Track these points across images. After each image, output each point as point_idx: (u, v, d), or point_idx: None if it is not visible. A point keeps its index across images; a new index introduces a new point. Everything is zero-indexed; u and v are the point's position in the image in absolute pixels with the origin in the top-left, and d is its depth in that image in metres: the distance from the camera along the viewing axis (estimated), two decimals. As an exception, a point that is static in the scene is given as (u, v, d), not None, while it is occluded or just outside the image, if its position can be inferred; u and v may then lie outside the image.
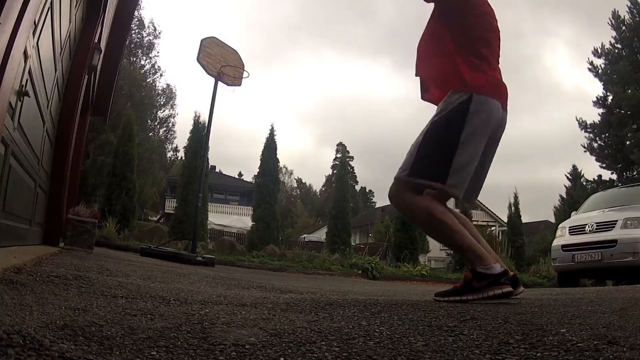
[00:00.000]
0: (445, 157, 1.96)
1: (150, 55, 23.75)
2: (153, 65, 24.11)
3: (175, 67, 76.66)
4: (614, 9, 19.51)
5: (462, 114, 1.97)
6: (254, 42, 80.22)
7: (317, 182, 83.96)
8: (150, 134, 24.15)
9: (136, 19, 21.95)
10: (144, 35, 23.18)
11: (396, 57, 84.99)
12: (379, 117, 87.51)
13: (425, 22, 2.20)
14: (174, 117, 26.74)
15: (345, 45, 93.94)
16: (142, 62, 23.49)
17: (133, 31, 21.68)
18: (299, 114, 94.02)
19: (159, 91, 25.04)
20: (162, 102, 25.50)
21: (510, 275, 1.92)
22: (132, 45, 22.14)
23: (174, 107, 26.55)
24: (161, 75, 26.79)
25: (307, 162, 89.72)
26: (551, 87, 79.67)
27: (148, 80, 23.28)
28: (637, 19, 18.78)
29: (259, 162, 13.73)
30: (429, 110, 2.19)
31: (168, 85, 26.44)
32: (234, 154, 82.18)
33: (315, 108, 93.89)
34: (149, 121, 23.90)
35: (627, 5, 19.17)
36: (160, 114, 25.76)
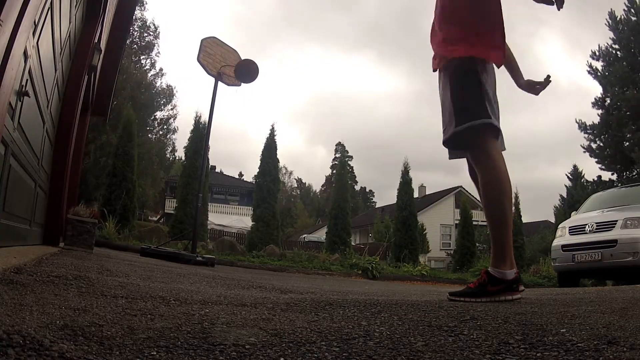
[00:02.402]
0: (479, 97, 2.06)
1: (151, 55, 23.76)
2: (153, 65, 24.12)
3: (174, 67, 76.85)
4: (611, 9, 19.46)
5: (473, 66, 2.10)
6: (236, 38, 79.61)
7: (316, 182, 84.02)
8: (150, 135, 24.12)
9: (139, 21, 21.99)
10: (145, 35, 23.19)
11: (382, 50, 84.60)
12: (373, 115, 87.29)
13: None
14: (174, 118, 26.70)
15: (329, 39, 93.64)
16: (143, 62, 23.50)
17: (134, 31, 21.70)
18: (287, 112, 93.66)
19: (160, 91, 25.02)
20: (162, 103, 25.47)
21: (520, 279, 1.98)
22: (135, 47, 22.16)
23: (175, 107, 26.50)
24: (162, 75, 26.74)
25: (299, 161, 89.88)
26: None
27: (149, 80, 23.27)
28: (634, 19, 18.74)
29: (253, 162, 13.81)
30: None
31: (169, 85, 26.32)
32: (222, 152, 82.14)
33: (303, 105, 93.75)
34: (149, 121, 23.88)
35: (625, 4, 19.12)
36: (161, 114, 25.75)
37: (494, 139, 2.08)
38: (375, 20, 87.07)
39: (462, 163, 2.34)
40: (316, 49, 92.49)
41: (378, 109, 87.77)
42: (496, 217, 2.01)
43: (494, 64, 2.20)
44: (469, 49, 2.12)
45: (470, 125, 2.05)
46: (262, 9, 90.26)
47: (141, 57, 23.12)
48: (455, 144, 2.20)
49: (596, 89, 23.18)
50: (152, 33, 23.38)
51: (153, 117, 24.58)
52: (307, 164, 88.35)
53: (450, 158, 2.37)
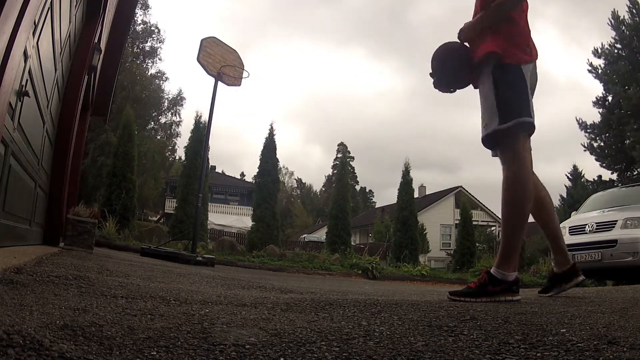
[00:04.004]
0: (523, 94, 2.03)
1: (154, 58, 23.80)
2: (159, 70, 24.23)
3: (173, 67, 76.70)
4: (614, 9, 19.53)
5: (514, 67, 2.07)
6: (232, 36, 78.81)
7: (314, 181, 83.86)
8: (151, 134, 24.13)
9: (142, 23, 22.06)
10: (148, 38, 23.24)
11: (372, 46, 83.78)
12: (370, 114, 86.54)
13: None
14: (177, 121, 26.66)
15: (317, 35, 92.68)
16: (145, 65, 23.54)
17: (137, 33, 21.75)
18: (284, 111, 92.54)
19: (162, 94, 25.05)
20: (165, 104, 25.46)
21: (519, 282, 2.00)
22: (136, 49, 22.19)
23: (178, 110, 26.44)
24: (166, 78, 26.76)
25: (295, 160, 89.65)
26: (541, 76, 77.99)
27: (151, 82, 23.29)
28: (637, 18, 18.78)
29: (253, 162, 13.82)
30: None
31: (169, 91, 26.40)
32: (222, 152, 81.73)
33: (296, 103, 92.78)
34: (151, 122, 23.90)
35: (627, 5, 19.18)
36: (163, 117, 25.75)
37: (527, 138, 2.05)
38: (369, 14, 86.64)
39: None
40: (311, 46, 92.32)
41: (376, 108, 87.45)
42: (513, 219, 1.99)
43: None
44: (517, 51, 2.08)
45: (516, 122, 1.99)
46: (257, 3, 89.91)
47: (146, 60, 23.19)
48: (494, 141, 2.10)
49: (595, 86, 23.16)
50: (155, 36, 23.46)
51: (155, 118, 24.62)
52: (303, 163, 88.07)
53: (493, 155, 2.29)
